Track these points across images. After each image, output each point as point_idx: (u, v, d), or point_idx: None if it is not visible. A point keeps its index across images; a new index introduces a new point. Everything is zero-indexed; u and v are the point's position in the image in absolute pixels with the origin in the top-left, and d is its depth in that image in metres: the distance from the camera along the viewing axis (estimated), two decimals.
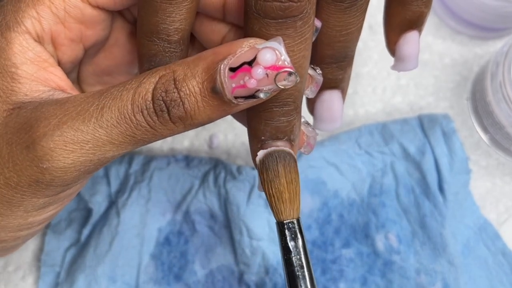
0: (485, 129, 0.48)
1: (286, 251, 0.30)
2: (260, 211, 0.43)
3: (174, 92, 0.27)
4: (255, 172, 0.44)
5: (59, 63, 0.32)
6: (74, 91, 0.31)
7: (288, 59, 0.26)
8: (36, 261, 0.45)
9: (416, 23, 0.34)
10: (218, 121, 0.48)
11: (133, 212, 0.44)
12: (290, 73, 0.26)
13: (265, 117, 0.29)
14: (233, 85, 0.26)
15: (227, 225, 0.44)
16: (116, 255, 0.43)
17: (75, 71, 0.36)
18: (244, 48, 0.26)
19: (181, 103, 0.27)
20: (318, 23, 0.31)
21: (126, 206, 0.44)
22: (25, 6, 0.30)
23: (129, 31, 0.35)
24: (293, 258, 0.30)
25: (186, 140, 0.48)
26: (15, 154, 0.28)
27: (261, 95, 0.26)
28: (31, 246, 0.46)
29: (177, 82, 0.27)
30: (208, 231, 0.44)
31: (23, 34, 0.30)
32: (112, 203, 0.45)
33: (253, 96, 0.26)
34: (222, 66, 0.26)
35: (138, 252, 0.43)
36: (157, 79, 0.27)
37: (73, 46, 0.32)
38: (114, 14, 0.34)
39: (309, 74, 0.31)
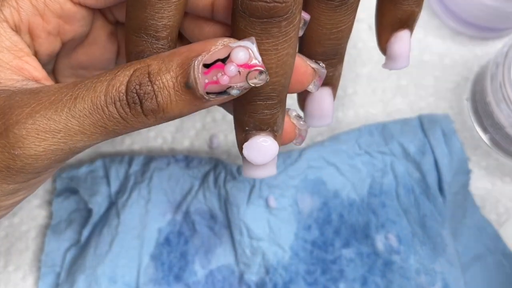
0: (485, 130, 0.48)
1: None
2: (260, 211, 0.43)
3: (148, 85, 0.27)
4: None
5: (36, 54, 0.33)
6: (48, 82, 0.32)
7: (259, 59, 0.27)
8: (36, 261, 0.45)
9: (407, 22, 0.34)
10: (219, 121, 0.48)
11: (133, 213, 0.44)
12: (261, 72, 0.27)
13: (249, 110, 0.30)
14: (206, 80, 0.27)
15: (227, 226, 0.44)
16: (116, 255, 0.43)
17: (51, 63, 0.36)
18: (218, 46, 0.27)
19: (154, 96, 0.27)
20: (306, 16, 0.31)
21: (126, 207, 0.44)
22: None
23: (109, 31, 0.36)
24: None
25: (186, 140, 0.48)
26: None
27: (232, 92, 0.27)
28: (31, 246, 0.46)
29: (152, 76, 0.27)
30: (208, 231, 0.44)
31: (1, 23, 0.30)
32: (112, 204, 0.45)
33: (224, 92, 0.27)
34: (196, 62, 0.27)
35: (138, 252, 0.43)
36: (131, 72, 0.27)
37: (50, 39, 0.33)
38: (96, 13, 0.35)
39: (312, 67, 0.32)
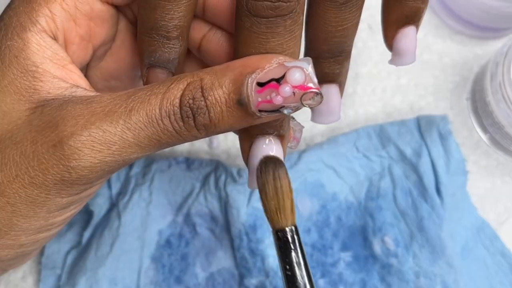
0: (484, 129, 0.48)
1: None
2: (260, 214, 0.43)
3: (201, 100, 0.27)
4: None
5: None
6: (93, 90, 0.32)
7: (315, 80, 0.27)
8: (36, 261, 0.45)
9: (413, 19, 0.34)
10: None
11: (134, 215, 0.44)
12: (316, 94, 0.27)
13: None
14: (259, 99, 0.27)
15: (227, 228, 0.44)
16: (117, 257, 0.43)
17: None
18: (273, 64, 0.27)
19: (207, 111, 0.27)
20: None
21: (127, 209, 0.44)
22: (38, 5, 0.30)
23: (133, 32, 0.36)
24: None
25: None
26: (40, 153, 0.28)
27: (285, 111, 0.27)
28: None
29: (204, 91, 0.27)
30: (209, 233, 0.44)
31: (39, 33, 0.30)
32: (113, 206, 0.45)
33: (277, 110, 0.27)
34: (250, 79, 0.27)
35: (139, 254, 0.44)
36: (185, 86, 0.28)
37: (83, 45, 0.33)
38: (120, 14, 0.35)
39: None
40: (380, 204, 0.44)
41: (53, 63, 0.30)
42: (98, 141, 0.27)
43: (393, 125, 0.46)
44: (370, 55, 0.50)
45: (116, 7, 0.34)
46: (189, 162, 0.46)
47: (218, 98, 0.27)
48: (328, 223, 0.44)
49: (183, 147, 0.48)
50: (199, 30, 0.34)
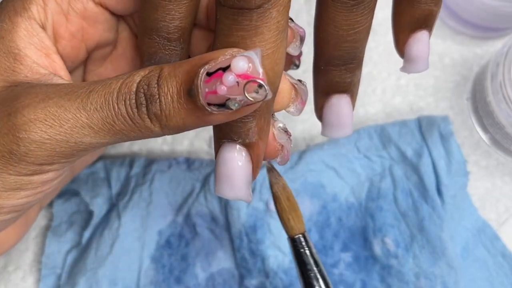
0: (485, 129, 0.48)
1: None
2: (260, 215, 0.43)
3: (155, 88, 0.27)
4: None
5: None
6: (69, 81, 0.32)
7: (261, 71, 0.25)
8: (36, 261, 0.45)
9: (426, 23, 0.33)
10: None
11: (134, 215, 0.44)
12: (260, 85, 0.25)
13: None
14: (207, 90, 0.26)
15: (228, 228, 0.44)
16: (117, 257, 0.43)
17: (78, 75, 0.36)
18: (226, 56, 0.26)
19: (158, 100, 0.27)
20: (301, 31, 0.31)
21: (127, 209, 0.44)
22: None
23: (135, 43, 0.35)
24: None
25: (186, 140, 0.48)
26: None
27: (231, 105, 0.26)
28: (31, 246, 0.46)
29: (160, 79, 0.27)
30: (209, 234, 0.44)
31: (29, 20, 0.31)
32: (113, 206, 0.45)
33: (224, 105, 0.26)
34: (202, 70, 0.26)
35: (139, 254, 0.44)
36: (146, 73, 0.27)
37: (74, 42, 0.33)
38: (121, 22, 0.35)
39: (294, 87, 0.30)
40: (380, 205, 0.44)
41: (37, 49, 0.31)
42: (52, 115, 0.27)
43: (394, 126, 0.46)
44: (370, 56, 0.50)
45: (116, 15, 0.34)
46: (189, 162, 0.46)
47: (170, 88, 0.26)
48: (329, 223, 0.44)
49: (183, 147, 0.48)
50: (207, 39, 0.33)
